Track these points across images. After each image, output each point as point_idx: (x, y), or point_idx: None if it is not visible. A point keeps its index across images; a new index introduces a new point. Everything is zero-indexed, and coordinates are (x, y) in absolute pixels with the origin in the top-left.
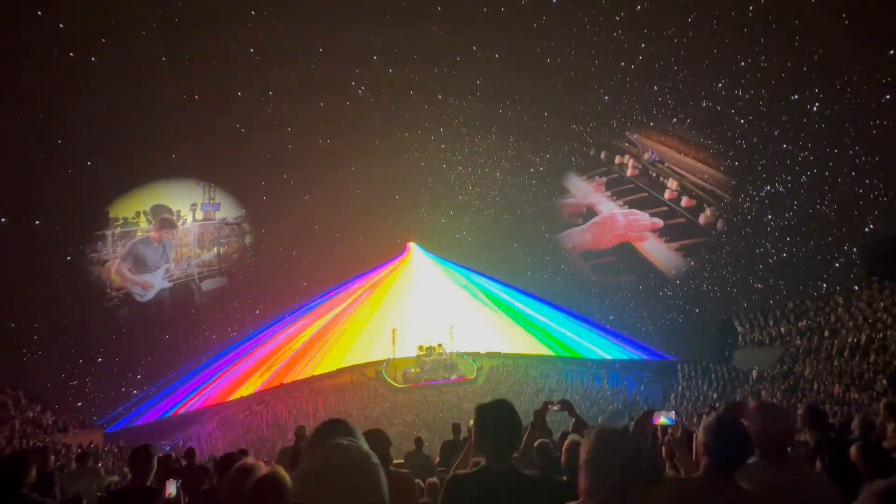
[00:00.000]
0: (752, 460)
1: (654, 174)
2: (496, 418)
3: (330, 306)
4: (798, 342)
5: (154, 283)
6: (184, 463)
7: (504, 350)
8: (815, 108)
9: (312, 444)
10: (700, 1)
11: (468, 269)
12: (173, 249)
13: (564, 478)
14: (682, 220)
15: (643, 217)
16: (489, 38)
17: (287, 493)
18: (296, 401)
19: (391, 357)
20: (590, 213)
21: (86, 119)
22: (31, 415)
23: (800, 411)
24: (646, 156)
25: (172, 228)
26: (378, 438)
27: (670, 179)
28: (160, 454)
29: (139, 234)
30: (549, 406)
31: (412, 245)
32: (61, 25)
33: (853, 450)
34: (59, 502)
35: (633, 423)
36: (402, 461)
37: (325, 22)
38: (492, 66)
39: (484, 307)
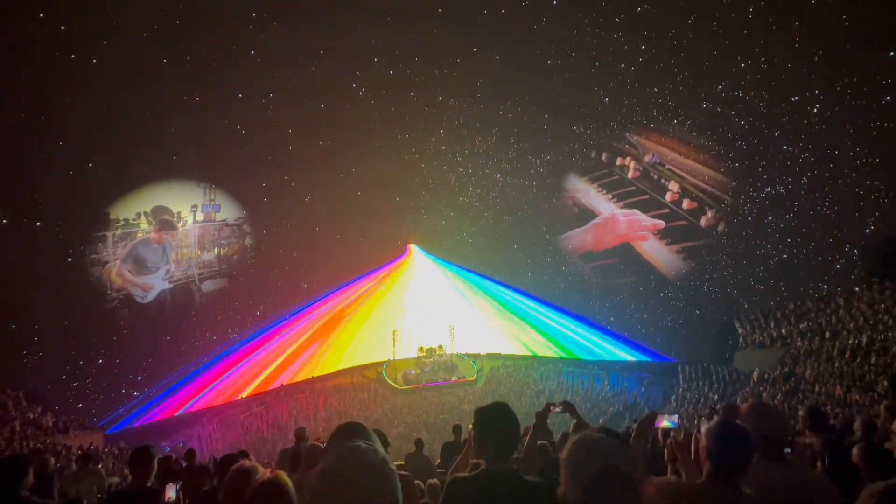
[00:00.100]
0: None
1: (655, 176)
2: (495, 420)
3: (330, 308)
4: (799, 343)
5: (154, 285)
6: (184, 464)
7: (504, 351)
8: (815, 110)
9: (331, 445)
10: (700, 2)
11: (469, 270)
12: (174, 251)
13: None
14: (684, 222)
15: (644, 217)
16: (489, 39)
17: (289, 498)
18: (296, 402)
19: (392, 358)
20: (584, 210)
21: (87, 120)
22: (32, 416)
23: (801, 413)
24: (646, 158)
25: (172, 230)
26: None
27: (671, 182)
28: (161, 455)
29: (140, 235)
30: (552, 408)
31: (413, 246)
32: (63, 27)
33: (855, 451)
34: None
35: (635, 425)
36: (403, 462)
37: (326, 24)
38: (492, 68)
39: (484, 308)
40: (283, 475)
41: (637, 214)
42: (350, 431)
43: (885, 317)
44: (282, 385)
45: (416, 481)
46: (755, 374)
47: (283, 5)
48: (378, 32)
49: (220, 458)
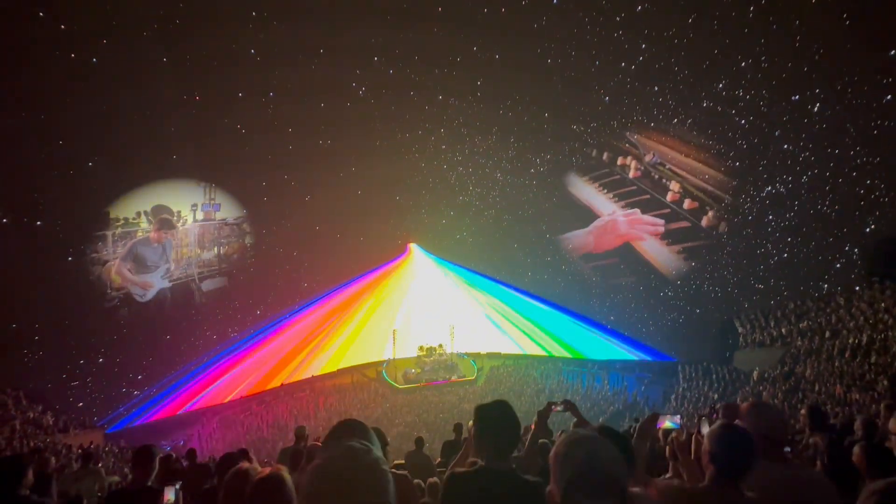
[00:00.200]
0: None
1: (656, 176)
2: (496, 418)
3: (330, 307)
4: (799, 343)
5: (153, 283)
6: (185, 464)
7: (504, 350)
8: (815, 109)
9: (326, 443)
10: (700, 2)
11: (469, 269)
12: (174, 250)
13: None
14: (685, 223)
15: (645, 217)
16: (490, 38)
17: (288, 493)
18: (296, 401)
19: (392, 357)
20: (591, 215)
21: (87, 119)
22: (32, 415)
23: (802, 412)
24: (647, 158)
25: (171, 229)
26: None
27: (672, 182)
28: (162, 454)
29: (140, 234)
30: (553, 407)
31: (413, 246)
32: (62, 26)
33: (856, 450)
34: (60, 503)
35: (637, 426)
36: (403, 461)
37: (326, 23)
38: (492, 67)
39: (484, 308)
40: (283, 470)
41: (638, 214)
42: (348, 430)
43: (886, 316)
44: (282, 384)
45: (417, 480)
46: (755, 374)
47: (283, 4)
48: (378, 31)
49: (219, 457)
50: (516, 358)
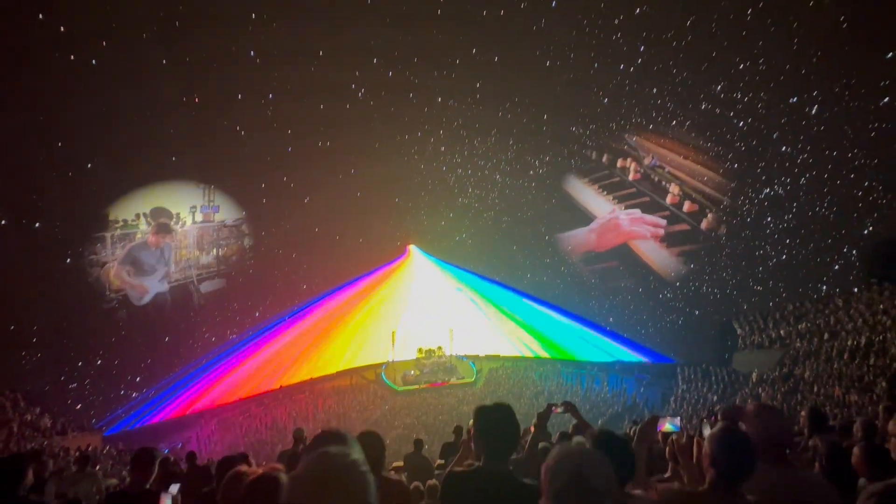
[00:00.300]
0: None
1: (655, 178)
2: (496, 420)
3: (329, 309)
4: (798, 344)
5: (149, 288)
6: (183, 467)
7: (503, 352)
8: (813, 111)
9: (305, 453)
10: (699, 4)
11: (468, 271)
12: (173, 252)
13: None
14: (685, 226)
15: (646, 217)
16: (489, 40)
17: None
18: (295, 403)
19: (391, 359)
20: (590, 217)
21: (86, 121)
22: (30, 417)
23: (802, 414)
24: (646, 161)
25: (169, 233)
26: (371, 441)
27: (672, 184)
28: (161, 457)
29: (139, 236)
30: (553, 408)
31: (412, 247)
32: (62, 28)
33: (856, 451)
34: None
35: (637, 429)
36: (402, 463)
37: (325, 24)
38: (491, 69)
39: (483, 309)
40: (279, 471)
41: (639, 213)
42: (325, 438)
43: (884, 318)
44: (280, 386)
45: (416, 482)
46: (754, 375)
47: (283, 6)
48: (377, 33)
49: (218, 460)
50: (515, 360)
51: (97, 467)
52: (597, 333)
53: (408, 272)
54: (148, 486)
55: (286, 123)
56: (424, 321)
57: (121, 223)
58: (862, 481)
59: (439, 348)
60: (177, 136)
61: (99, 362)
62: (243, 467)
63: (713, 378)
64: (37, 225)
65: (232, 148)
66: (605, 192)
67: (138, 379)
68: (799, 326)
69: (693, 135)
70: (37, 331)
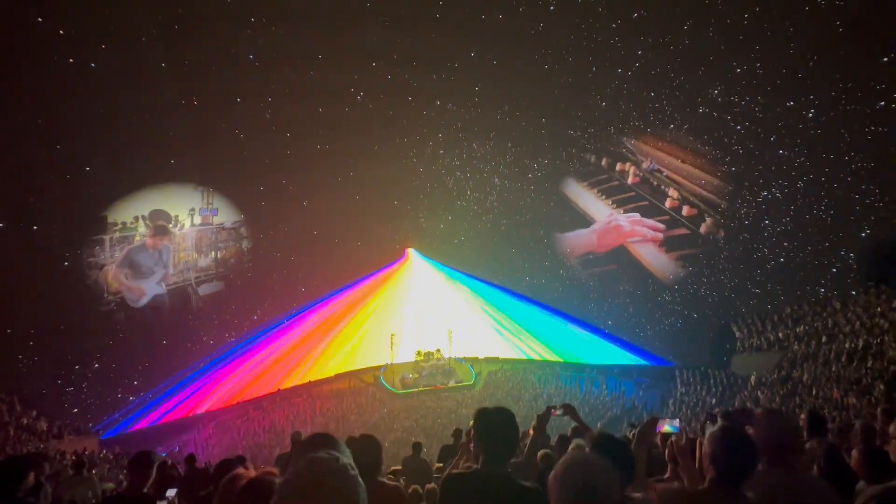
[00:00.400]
0: (759, 467)
1: (654, 182)
2: (496, 423)
3: (328, 311)
4: (796, 347)
5: (146, 290)
6: (181, 471)
7: (502, 355)
8: (810, 115)
9: (295, 458)
10: (696, 8)
11: (467, 274)
12: (171, 254)
13: None
14: (685, 230)
15: (646, 220)
16: (487, 44)
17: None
18: (293, 406)
19: (389, 362)
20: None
21: (84, 123)
22: (26, 421)
23: (801, 417)
24: (644, 165)
25: (167, 235)
26: (368, 446)
27: (671, 188)
28: (159, 461)
29: (137, 238)
30: (553, 411)
31: (411, 250)
32: (61, 30)
33: (855, 454)
34: None
35: (636, 430)
36: (401, 466)
37: (324, 27)
38: (490, 72)
39: (482, 312)
40: (272, 474)
41: (638, 217)
42: (313, 443)
43: (881, 321)
44: (279, 389)
45: (415, 486)
46: (752, 378)
47: (282, 9)
48: (376, 36)
49: (216, 463)
50: (514, 362)
51: (94, 471)
52: (596, 336)
53: (406, 275)
54: (145, 490)
55: (285, 126)
56: (423, 324)
57: (119, 226)
58: (861, 484)
59: (438, 351)
60: (176, 138)
61: (96, 365)
62: (240, 471)
63: (712, 381)
64: (34, 227)
65: (231, 150)
66: (604, 196)
67: (136, 382)
68: (797, 329)
69: (691, 138)
70: (34, 334)
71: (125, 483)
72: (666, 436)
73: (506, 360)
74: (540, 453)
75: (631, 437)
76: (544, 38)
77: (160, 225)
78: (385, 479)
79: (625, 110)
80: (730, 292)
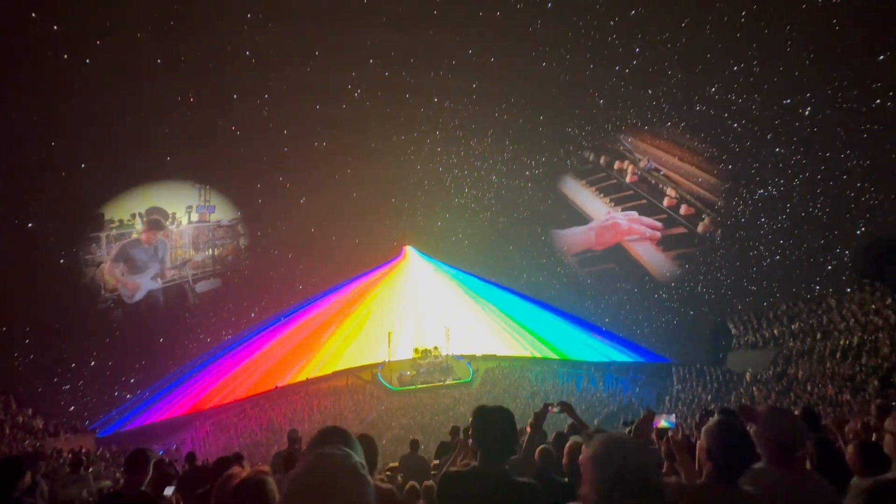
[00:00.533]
0: (759, 465)
1: (653, 181)
2: (494, 422)
3: (325, 309)
4: (791, 344)
5: (141, 285)
6: (178, 468)
7: (500, 352)
8: (807, 113)
9: (307, 452)
10: (693, 6)
11: (464, 271)
12: (169, 251)
13: (566, 479)
14: (682, 229)
15: (644, 219)
16: (485, 42)
17: (269, 495)
18: (290, 404)
19: (387, 360)
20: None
21: (80, 120)
22: (22, 419)
23: (796, 413)
24: (641, 164)
25: (160, 230)
26: (364, 445)
27: (669, 187)
28: (156, 458)
29: (134, 235)
30: (550, 408)
31: (408, 248)
32: (56, 27)
33: (850, 449)
34: None
35: (633, 426)
36: (398, 464)
37: (322, 25)
38: (488, 70)
39: (480, 309)
40: (266, 474)
41: (636, 215)
42: (327, 437)
43: (876, 318)
44: (276, 387)
45: (412, 482)
46: (748, 375)
47: (279, 6)
48: (374, 34)
49: (214, 461)
50: (511, 360)
51: (89, 469)
52: (592, 334)
53: (404, 273)
54: (143, 488)
55: (282, 124)
56: (420, 321)
57: (116, 223)
58: (855, 479)
59: (435, 348)
60: (172, 135)
61: (93, 363)
62: (235, 469)
63: (708, 377)
64: (30, 225)
65: (228, 148)
66: (602, 194)
67: (132, 380)
68: (792, 326)
69: (688, 136)
70: (30, 332)
71: (122, 481)
72: (662, 431)
73: (503, 358)
74: (539, 448)
75: (627, 433)
76: (542, 36)
77: (154, 219)
78: (379, 482)
79: (622, 108)
80: (726, 289)
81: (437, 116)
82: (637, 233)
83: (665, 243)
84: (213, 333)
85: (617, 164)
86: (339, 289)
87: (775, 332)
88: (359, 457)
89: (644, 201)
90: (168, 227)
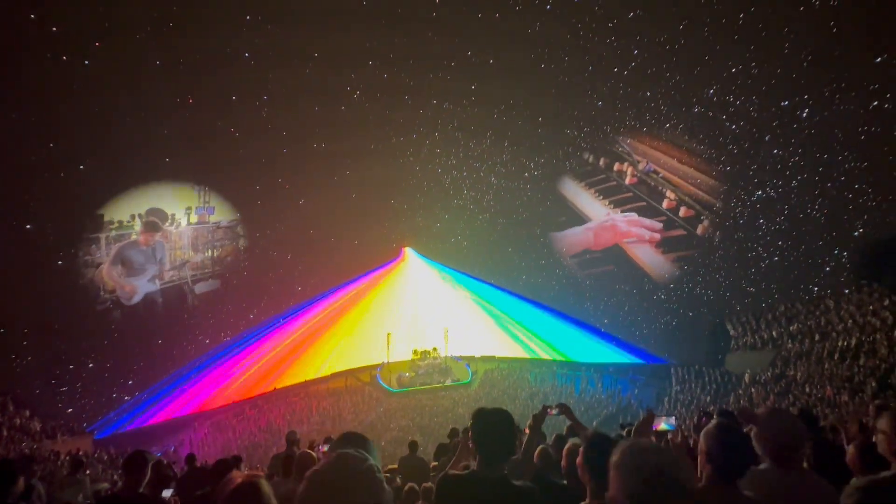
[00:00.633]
0: (762, 466)
1: (652, 183)
2: (493, 424)
3: (324, 310)
4: (789, 345)
5: (138, 287)
6: (175, 470)
7: (499, 354)
8: (804, 114)
9: (328, 453)
10: (692, 8)
11: (463, 273)
12: (168, 252)
13: (564, 482)
14: (682, 231)
15: (644, 220)
16: (484, 43)
17: (264, 499)
18: (289, 405)
19: (386, 361)
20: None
21: (79, 122)
22: (19, 421)
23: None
24: (640, 165)
25: (158, 231)
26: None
27: (668, 189)
28: (154, 460)
29: (133, 237)
30: (548, 410)
31: (407, 249)
32: (54, 28)
33: (851, 449)
34: None
35: (632, 428)
36: (397, 465)
37: (321, 26)
38: (486, 71)
39: (479, 311)
40: (261, 478)
41: (636, 217)
42: (346, 441)
43: (874, 319)
44: (275, 388)
45: (411, 483)
46: (746, 376)
47: (278, 8)
48: (372, 35)
49: (212, 463)
50: (510, 361)
51: (87, 472)
52: (591, 335)
53: (403, 274)
54: (141, 490)
55: (281, 125)
56: (419, 323)
57: (115, 224)
58: (854, 479)
59: (434, 350)
60: (172, 137)
61: (91, 365)
62: (234, 473)
63: (706, 379)
64: (28, 226)
65: (227, 149)
66: (602, 196)
67: (131, 382)
68: (790, 328)
69: (686, 137)
70: (27, 333)
71: (120, 483)
72: (662, 433)
73: (502, 359)
74: (538, 450)
75: (625, 436)
76: (541, 38)
77: (151, 221)
78: None
79: (621, 110)
80: (724, 291)
81: (435, 118)
82: (635, 235)
83: (664, 245)
84: (212, 335)
85: (616, 166)
86: (338, 290)
87: (774, 333)
88: (376, 462)
89: (643, 203)
90: (166, 229)
